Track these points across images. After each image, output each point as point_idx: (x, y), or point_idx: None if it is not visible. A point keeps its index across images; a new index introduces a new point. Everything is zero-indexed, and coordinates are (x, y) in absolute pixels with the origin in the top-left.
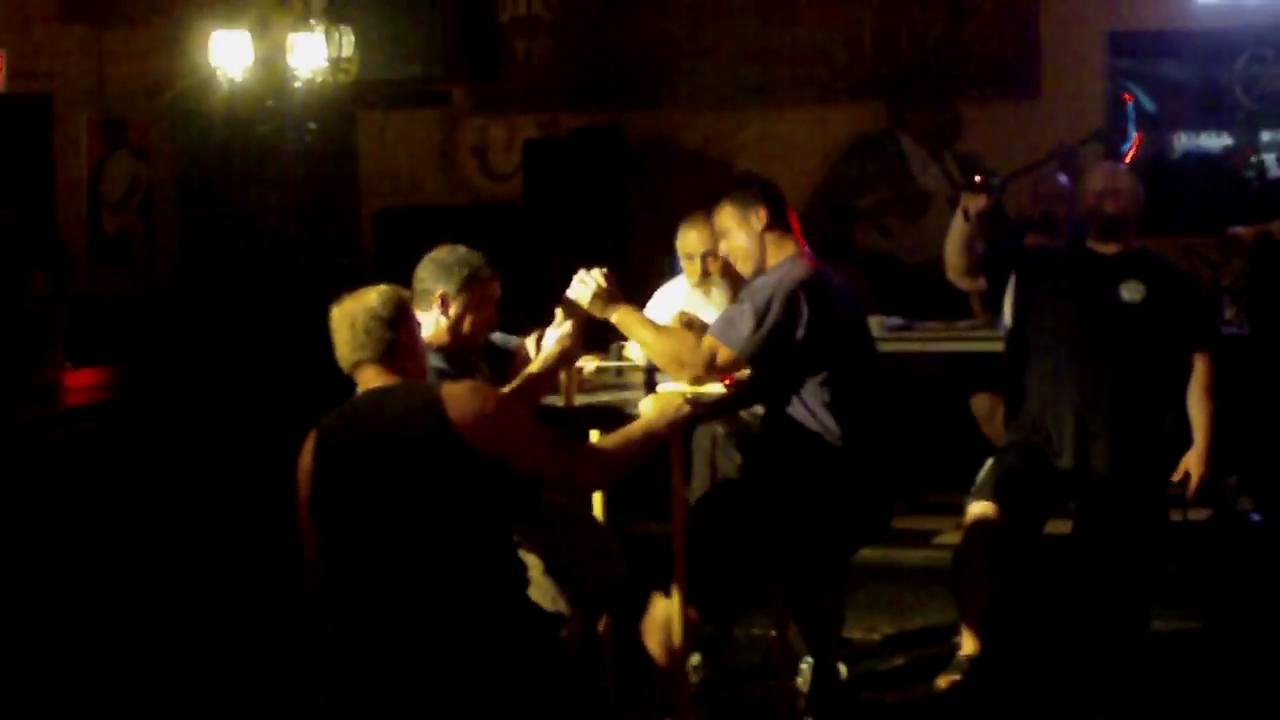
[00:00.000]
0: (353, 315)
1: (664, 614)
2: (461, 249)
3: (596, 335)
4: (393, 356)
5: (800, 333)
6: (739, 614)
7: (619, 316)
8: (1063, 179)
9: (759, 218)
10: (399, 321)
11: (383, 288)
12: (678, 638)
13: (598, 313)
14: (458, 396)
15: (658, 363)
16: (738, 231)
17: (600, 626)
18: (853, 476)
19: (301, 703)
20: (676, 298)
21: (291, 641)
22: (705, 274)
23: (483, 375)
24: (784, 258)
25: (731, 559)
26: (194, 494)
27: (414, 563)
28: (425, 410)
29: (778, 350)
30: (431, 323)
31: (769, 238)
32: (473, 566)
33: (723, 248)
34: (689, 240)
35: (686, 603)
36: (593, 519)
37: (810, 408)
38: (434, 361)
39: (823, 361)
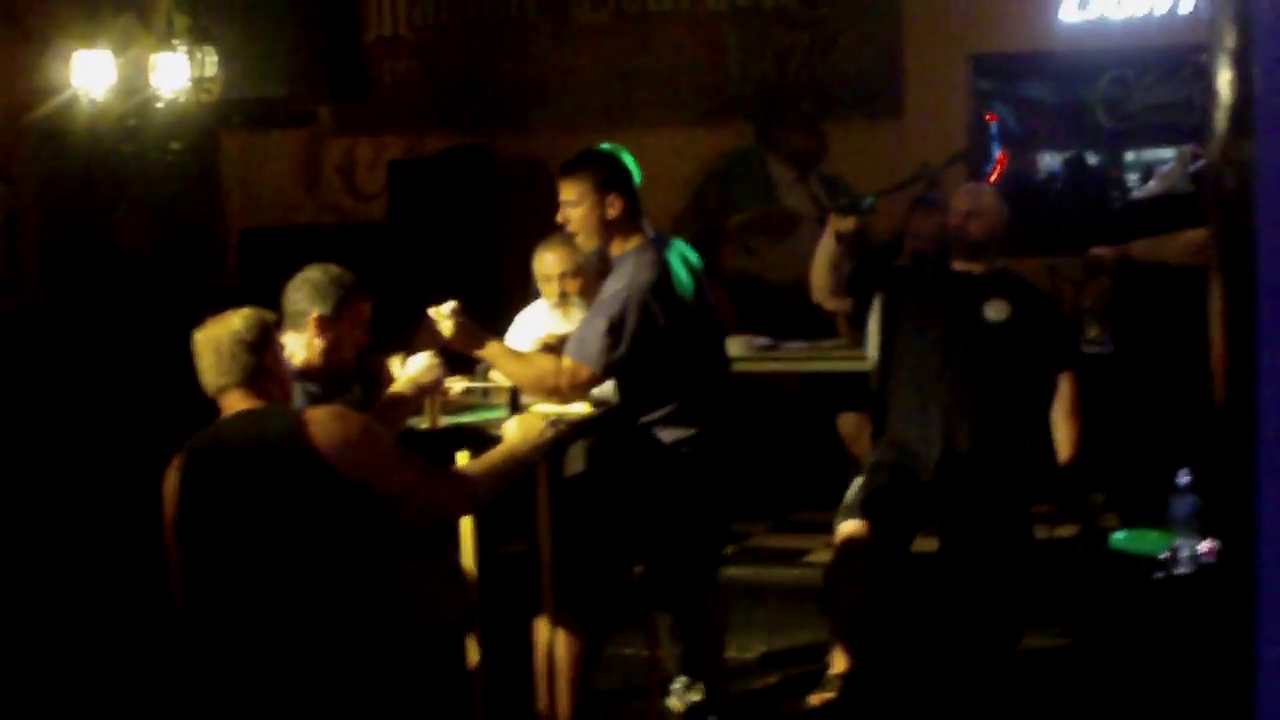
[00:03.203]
0: (216, 340)
1: (544, 638)
2: (334, 269)
3: (464, 357)
4: (257, 380)
5: (655, 340)
6: (609, 620)
7: (483, 351)
8: (942, 216)
9: (614, 206)
10: (262, 346)
11: (246, 311)
12: (561, 659)
13: (462, 349)
14: (321, 421)
15: (525, 390)
16: (586, 208)
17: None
18: (693, 470)
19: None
20: (537, 321)
21: (156, 662)
22: (564, 295)
23: (354, 397)
24: (629, 249)
25: (584, 550)
26: (56, 513)
27: (278, 585)
28: (289, 435)
29: (635, 360)
30: (304, 345)
31: (618, 228)
32: (337, 589)
33: (562, 215)
34: (546, 262)
35: (557, 622)
36: (446, 551)
37: (660, 409)
38: (306, 386)
39: (675, 364)
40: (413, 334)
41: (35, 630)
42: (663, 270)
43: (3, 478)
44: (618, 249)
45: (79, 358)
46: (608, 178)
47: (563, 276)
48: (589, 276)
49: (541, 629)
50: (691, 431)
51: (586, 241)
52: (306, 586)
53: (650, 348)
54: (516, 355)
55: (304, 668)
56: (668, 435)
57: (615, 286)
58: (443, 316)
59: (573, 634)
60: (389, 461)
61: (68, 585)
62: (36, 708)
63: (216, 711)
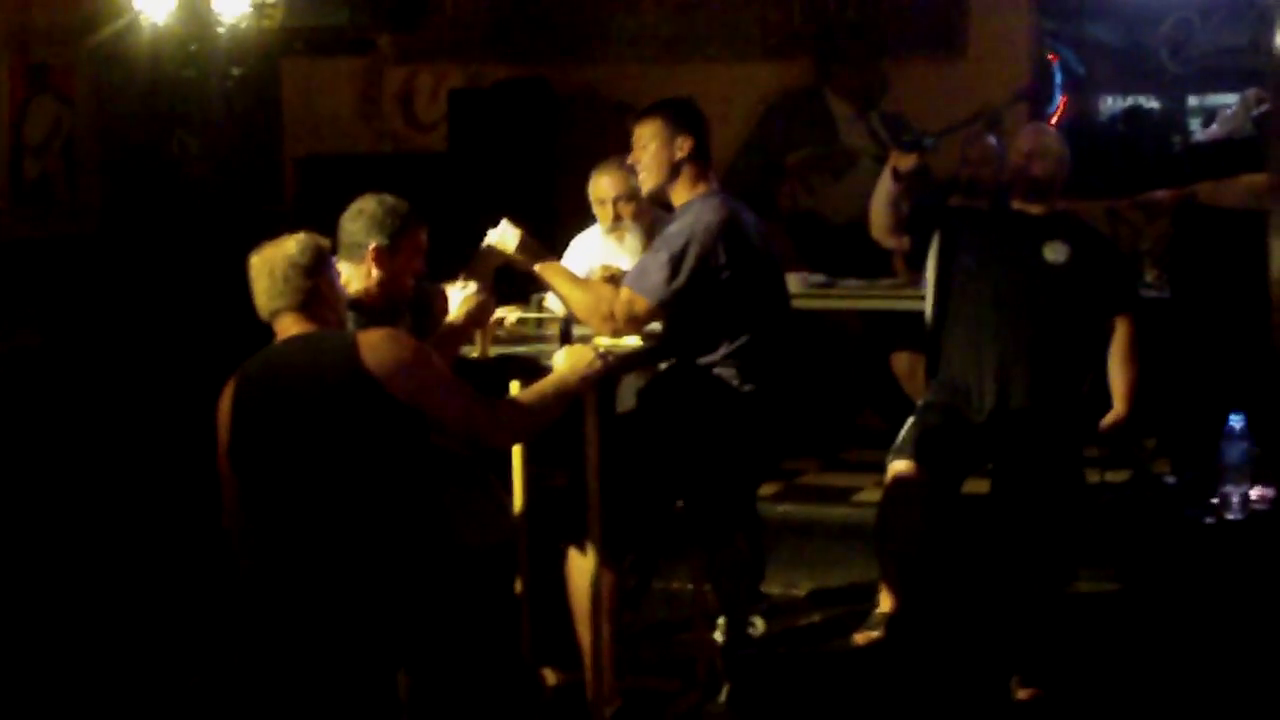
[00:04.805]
0: (271, 263)
1: (582, 568)
2: (389, 199)
3: (518, 286)
4: (311, 305)
5: (717, 280)
6: (652, 554)
7: (542, 269)
8: (992, 141)
9: (682, 148)
10: (318, 270)
11: (301, 236)
12: (604, 592)
13: (523, 266)
14: (374, 344)
15: (578, 316)
16: (657, 148)
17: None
18: (751, 416)
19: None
20: (591, 247)
21: (210, 586)
22: (617, 219)
23: (406, 325)
24: (695, 195)
25: (630, 485)
26: (113, 435)
27: (330, 507)
28: (341, 357)
29: (694, 298)
30: (361, 275)
31: (685, 170)
32: (389, 511)
33: (634, 156)
34: (601, 185)
35: (602, 553)
36: (487, 478)
37: (718, 352)
38: (357, 317)
39: (737, 308)
40: (470, 259)
41: (87, 554)
42: (730, 214)
43: (58, 401)
44: (683, 196)
45: (136, 280)
46: (679, 120)
47: (617, 200)
48: (643, 202)
49: (584, 560)
50: (751, 375)
51: (649, 180)
52: (358, 507)
53: (711, 288)
54: (575, 279)
55: (355, 587)
56: (727, 378)
57: (680, 226)
58: (510, 225)
59: (614, 567)
60: (441, 385)
61: (122, 509)
62: (90, 634)
63: (269, 633)
